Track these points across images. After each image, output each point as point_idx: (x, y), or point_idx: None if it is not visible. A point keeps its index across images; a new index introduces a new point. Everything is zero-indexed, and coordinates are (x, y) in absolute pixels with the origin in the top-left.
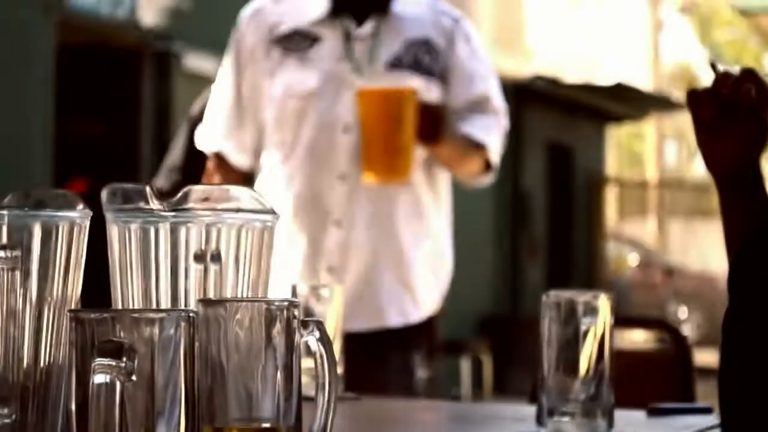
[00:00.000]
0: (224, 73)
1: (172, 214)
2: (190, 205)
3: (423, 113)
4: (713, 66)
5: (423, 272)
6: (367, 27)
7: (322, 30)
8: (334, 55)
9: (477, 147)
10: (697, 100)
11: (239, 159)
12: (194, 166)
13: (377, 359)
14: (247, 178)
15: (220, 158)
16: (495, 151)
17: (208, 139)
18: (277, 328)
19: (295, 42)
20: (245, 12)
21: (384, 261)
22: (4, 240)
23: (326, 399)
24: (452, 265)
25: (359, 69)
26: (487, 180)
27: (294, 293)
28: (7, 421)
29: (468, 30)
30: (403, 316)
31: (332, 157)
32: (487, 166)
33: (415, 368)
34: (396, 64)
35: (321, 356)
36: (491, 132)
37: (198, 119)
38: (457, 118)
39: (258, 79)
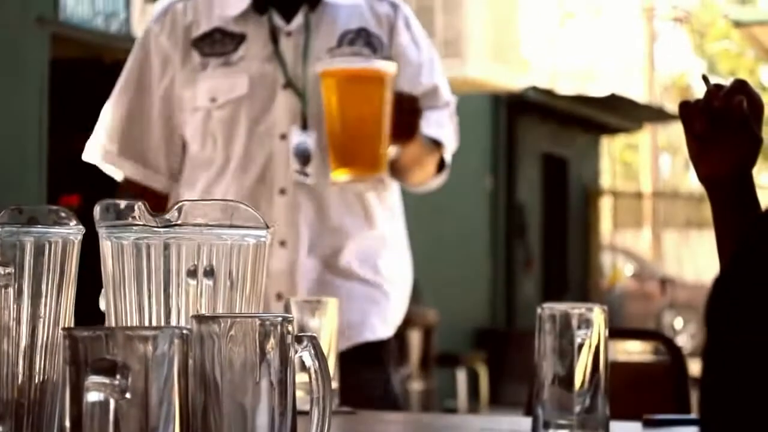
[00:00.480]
0: (126, 84)
1: (165, 229)
2: (182, 220)
3: (398, 103)
4: (705, 78)
5: (383, 287)
6: (297, 21)
7: (246, 27)
8: (261, 55)
9: (434, 146)
10: (689, 112)
11: (152, 182)
12: None
13: (351, 379)
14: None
15: (129, 181)
16: (450, 150)
17: (105, 157)
18: (271, 344)
19: (218, 43)
20: (153, 14)
21: (336, 280)
22: None
23: (321, 413)
24: (412, 276)
25: (290, 69)
26: (439, 182)
27: (288, 308)
28: None
29: (408, 15)
30: (372, 331)
31: (270, 169)
32: (440, 166)
33: (392, 386)
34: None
35: (316, 371)
36: (444, 128)
37: None
38: None
39: (175, 91)
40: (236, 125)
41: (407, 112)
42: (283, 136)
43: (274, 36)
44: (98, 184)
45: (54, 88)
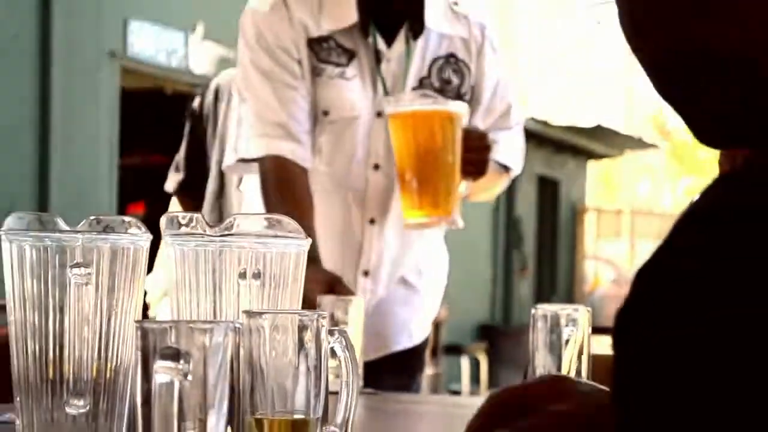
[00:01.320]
0: (263, 73)
1: (220, 238)
2: (235, 231)
3: (466, 141)
4: None
5: (426, 297)
6: (398, 47)
7: (354, 44)
8: (368, 78)
9: (502, 169)
10: None
11: (304, 161)
12: (195, 163)
13: (379, 383)
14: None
15: (278, 164)
16: (517, 170)
17: (265, 146)
18: (308, 336)
19: (334, 52)
20: (258, 5)
21: (397, 298)
22: (79, 259)
23: (349, 394)
24: (445, 282)
25: (389, 96)
26: (500, 191)
27: (320, 306)
28: (83, 410)
29: (493, 37)
30: (410, 338)
31: (362, 198)
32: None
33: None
34: (420, 88)
35: (345, 359)
36: (514, 149)
37: (197, 114)
38: None
39: (291, 86)
40: (341, 146)
41: (477, 150)
42: (377, 167)
43: (377, 59)
44: (160, 195)
45: (123, 113)
